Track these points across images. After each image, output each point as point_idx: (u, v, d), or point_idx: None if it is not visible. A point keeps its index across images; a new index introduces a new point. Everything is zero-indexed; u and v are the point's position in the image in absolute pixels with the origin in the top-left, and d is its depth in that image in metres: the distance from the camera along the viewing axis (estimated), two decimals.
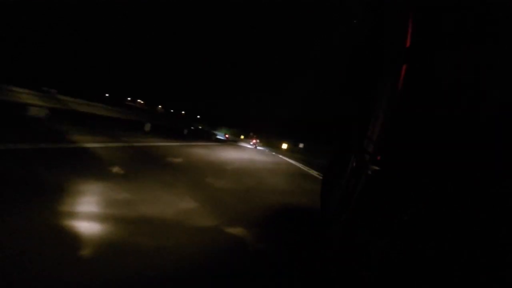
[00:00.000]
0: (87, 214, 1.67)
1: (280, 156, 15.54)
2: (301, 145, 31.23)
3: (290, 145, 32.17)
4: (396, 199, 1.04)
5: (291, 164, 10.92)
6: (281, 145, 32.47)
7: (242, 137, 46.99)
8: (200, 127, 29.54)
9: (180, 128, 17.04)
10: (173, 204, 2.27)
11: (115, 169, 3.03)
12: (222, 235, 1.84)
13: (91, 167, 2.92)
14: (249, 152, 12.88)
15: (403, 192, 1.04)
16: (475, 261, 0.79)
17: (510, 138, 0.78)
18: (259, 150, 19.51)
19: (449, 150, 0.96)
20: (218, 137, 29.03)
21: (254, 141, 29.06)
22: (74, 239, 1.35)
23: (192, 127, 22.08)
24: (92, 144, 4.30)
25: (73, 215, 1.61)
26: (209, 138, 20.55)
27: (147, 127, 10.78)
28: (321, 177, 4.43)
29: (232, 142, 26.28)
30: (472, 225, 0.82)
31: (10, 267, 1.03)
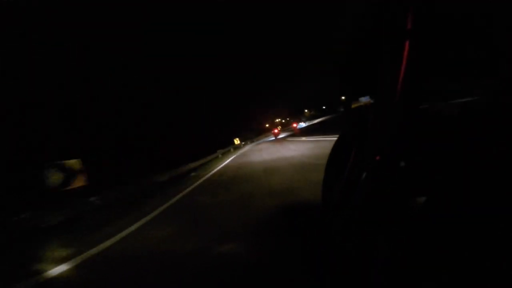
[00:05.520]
0: None
1: None
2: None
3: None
4: (400, 195, 1.03)
5: None
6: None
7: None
8: None
9: None
10: None
11: None
12: None
13: None
14: None
15: (408, 187, 1.02)
16: (482, 260, 0.77)
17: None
18: None
19: (454, 145, 0.94)
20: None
21: (276, 130, 30.27)
22: None
23: None
24: None
25: None
26: None
27: None
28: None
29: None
30: (477, 224, 0.81)
31: None
